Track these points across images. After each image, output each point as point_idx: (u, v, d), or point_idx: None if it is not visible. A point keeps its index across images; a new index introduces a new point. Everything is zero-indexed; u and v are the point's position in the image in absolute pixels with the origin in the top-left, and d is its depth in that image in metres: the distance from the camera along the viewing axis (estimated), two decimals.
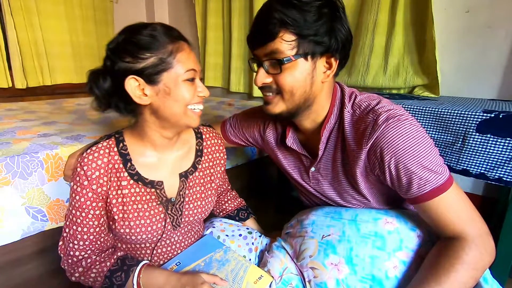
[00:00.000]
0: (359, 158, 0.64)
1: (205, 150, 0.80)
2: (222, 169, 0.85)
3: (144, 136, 0.68)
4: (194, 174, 0.77)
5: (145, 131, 0.68)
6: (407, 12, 1.46)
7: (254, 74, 0.67)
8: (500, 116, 0.90)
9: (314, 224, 0.72)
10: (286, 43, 0.60)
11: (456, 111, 0.97)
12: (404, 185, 0.60)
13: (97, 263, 0.68)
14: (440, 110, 1.01)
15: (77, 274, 0.68)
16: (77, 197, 0.66)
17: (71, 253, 0.68)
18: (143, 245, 0.75)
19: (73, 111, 1.61)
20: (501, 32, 1.29)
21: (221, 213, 0.96)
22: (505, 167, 0.91)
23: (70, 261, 0.68)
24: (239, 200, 0.99)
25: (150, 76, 0.60)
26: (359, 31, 1.62)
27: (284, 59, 0.60)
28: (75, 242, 0.67)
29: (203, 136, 0.81)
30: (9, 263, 0.91)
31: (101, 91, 0.63)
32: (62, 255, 0.70)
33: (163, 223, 0.72)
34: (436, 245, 0.62)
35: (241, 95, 2.40)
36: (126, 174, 0.68)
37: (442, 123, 1.02)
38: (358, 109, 0.66)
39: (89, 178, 0.65)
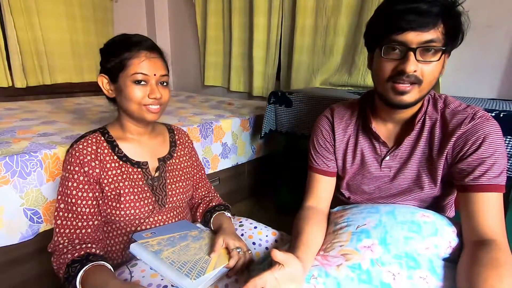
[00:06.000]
0: (447, 143, 0.66)
1: (178, 142, 0.91)
2: (195, 163, 0.94)
3: (123, 125, 0.79)
4: (171, 160, 0.86)
5: (122, 121, 0.79)
6: None
7: (384, 60, 0.63)
8: (501, 116, 0.89)
9: (349, 220, 0.72)
10: (442, 36, 0.60)
11: None
12: (472, 165, 0.62)
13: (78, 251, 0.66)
14: None
15: (61, 260, 0.65)
16: (69, 183, 0.70)
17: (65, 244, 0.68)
18: (132, 228, 0.78)
19: (72, 110, 1.61)
20: (501, 32, 1.29)
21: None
22: None
23: (62, 249, 0.67)
24: (206, 204, 0.93)
25: (113, 76, 0.73)
26: (360, 31, 1.61)
27: (445, 48, 0.61)
28: (76, 231, 0.69)
29: (175, 131, 0.92)
30: (8, 263, 0.91)
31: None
32: (54, 251, 0.68)
33: (151, 201, 0.78)
34: (473, 254, 0.57)
35: (241, 94, 2.40)
36: (115, 157, 0.76)
37: None
38: (451, 104, 0.69)
39: (81, 163, 0.71)
